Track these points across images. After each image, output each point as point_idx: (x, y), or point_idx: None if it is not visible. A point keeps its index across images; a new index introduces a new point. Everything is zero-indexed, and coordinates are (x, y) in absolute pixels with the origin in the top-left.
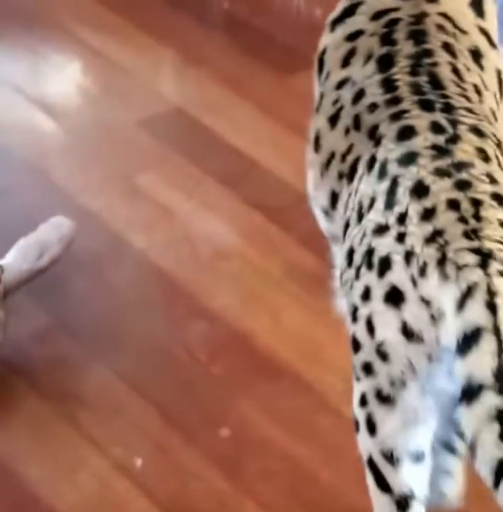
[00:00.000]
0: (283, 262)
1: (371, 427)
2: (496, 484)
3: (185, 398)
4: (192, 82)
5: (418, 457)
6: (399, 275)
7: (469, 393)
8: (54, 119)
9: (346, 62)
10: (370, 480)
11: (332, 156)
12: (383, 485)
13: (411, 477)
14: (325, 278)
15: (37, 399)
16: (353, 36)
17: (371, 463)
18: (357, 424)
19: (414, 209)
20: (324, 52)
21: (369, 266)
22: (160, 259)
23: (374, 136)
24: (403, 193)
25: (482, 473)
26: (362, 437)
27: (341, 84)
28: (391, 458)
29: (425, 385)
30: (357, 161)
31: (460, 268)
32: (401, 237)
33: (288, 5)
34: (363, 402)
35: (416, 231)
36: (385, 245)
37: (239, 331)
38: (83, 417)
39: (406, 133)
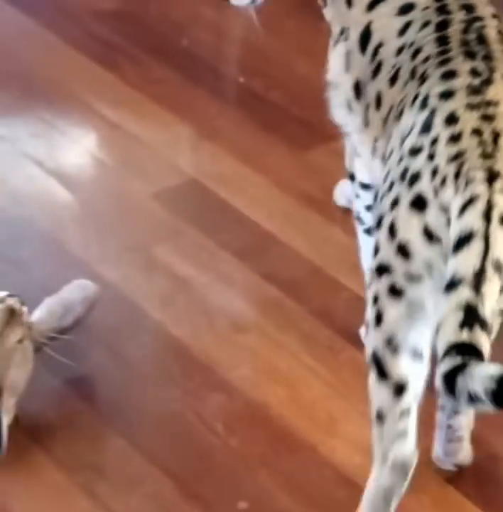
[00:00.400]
0: (299, 335)
1: (379, 319)
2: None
3: (203, 470)
4: (208, 155)
5: (416, 354)
6: (425, 185)
7: (450, 285)
8: (71, 191)
9: (403, 32)
10: (372, 378)
11: (391, 109)
12: (382, 374)
13: (408, 369)
14: (340, 351)
15: (54, 468)
16: (405, 9)
17: (375, 357)
18: (366, 327)
19: (444, 134)
20: (368, 27)
21: (402, 179)
22: (177, 331)
23: (421, 79)
24: (437, 121)
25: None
26: (369, 335)
27: (400, 50)
28: (392, 346)
29: (437, 283)
30: (406, 101)
31: (468, 182)
32: (431, 157)
33: (304, 80)
34: (375, 300)
35: (443, 152)
36: (418, 163)
37: (255, 403)
38: (100, 488)
39: (449, 75)
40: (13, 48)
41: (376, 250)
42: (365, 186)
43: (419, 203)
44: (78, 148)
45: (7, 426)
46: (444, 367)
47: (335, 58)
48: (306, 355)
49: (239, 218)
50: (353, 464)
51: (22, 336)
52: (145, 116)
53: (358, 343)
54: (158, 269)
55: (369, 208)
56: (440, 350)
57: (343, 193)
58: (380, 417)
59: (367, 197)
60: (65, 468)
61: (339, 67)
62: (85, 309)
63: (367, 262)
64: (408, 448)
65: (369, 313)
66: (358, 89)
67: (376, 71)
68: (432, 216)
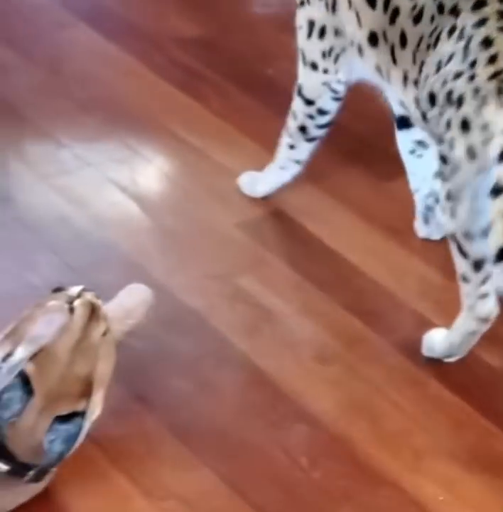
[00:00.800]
0: (382, 368)
1: (453, 214)
2: (496, 262)
3: (286, 502)
4: (291, 185)
5: (484, 233)
6: (468, 108)
7: (495, 191)
8: (154, 217)
9: None
10: (454, 249)
11: (421, 39)
12: (462, 253)
13: (482, 247)
14: (424, 385)
15: (139, 496)
16: None
17: (454, 238)
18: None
19: (481, 57)
20: None
21: (450, 103)
22: (261, 361)
23: (455, 12)
24: (474, 46)
25: (488, 254)
26: (448, 222)
27: None
28: (467, 236)
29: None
30: (440, 33)
31: None
32: (471, 78)
33: (387, 111)
34: (448, 197)
35: (482, 72)
36: (460, 86)
37: (338, 436)
38: None
39: (479, 4)
40: (97, 73)
41: (443, 160)
42: (322, 112)
43: (464, 126)
44: (161, 174)
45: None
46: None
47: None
48: (390, 389)
49: (322, 249)
50: (437, 501)
51: (105, 329)
52: (229, 145)
53: (442, 377)
54: (242, 298)
55: (320, 127)
56: (492, 255)
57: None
58: (465, 279)
59: (322, 119)
60: (150, 495)
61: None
62: (143, 313)
63: None
64: (489, 304)
65: (444, 206)
66: (374, 38)
67: (394, 17)
68: (475, 136)
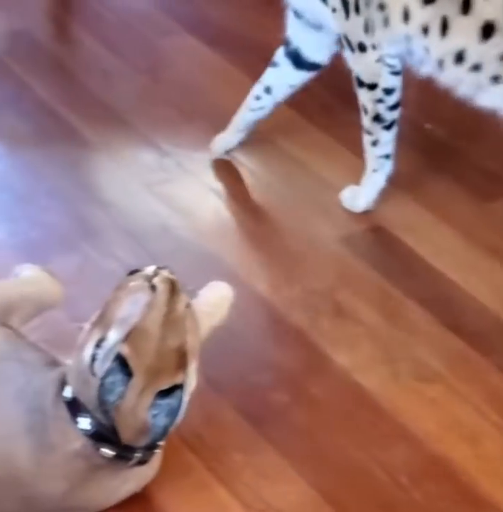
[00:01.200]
0: (484, 389)
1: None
2: None
3: None
4: (393, 201)
5: None
6: None
7: None
8: (255, 229)
9: None
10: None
11: None
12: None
13: None
14: None
15: (238, 507)
16: None
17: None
18: None
19: None
20: None
21: None
22: (361, 377)
23: None
24: None
25: None
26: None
27: None
28: None
29: None
30: None
31: None
32: None
33: (491, 130)
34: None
35: None
36: None
37: (439, 457)
38: None
39: None
40: (200, 82)
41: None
42: (388, 91)
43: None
44: (263, 186)
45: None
46: None
47: None
48: (491, 411)
49: (424, 267)
50: None
51: (187, 302)
52: (331, 158)
53: None
54: (343, 314)
55: (392, 107)
56: None
57: None
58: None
59: (391, 99)
60: (249, 508)
61: None
62: (227, 309)
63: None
64: None
65: None
66: None
67: None
68: None
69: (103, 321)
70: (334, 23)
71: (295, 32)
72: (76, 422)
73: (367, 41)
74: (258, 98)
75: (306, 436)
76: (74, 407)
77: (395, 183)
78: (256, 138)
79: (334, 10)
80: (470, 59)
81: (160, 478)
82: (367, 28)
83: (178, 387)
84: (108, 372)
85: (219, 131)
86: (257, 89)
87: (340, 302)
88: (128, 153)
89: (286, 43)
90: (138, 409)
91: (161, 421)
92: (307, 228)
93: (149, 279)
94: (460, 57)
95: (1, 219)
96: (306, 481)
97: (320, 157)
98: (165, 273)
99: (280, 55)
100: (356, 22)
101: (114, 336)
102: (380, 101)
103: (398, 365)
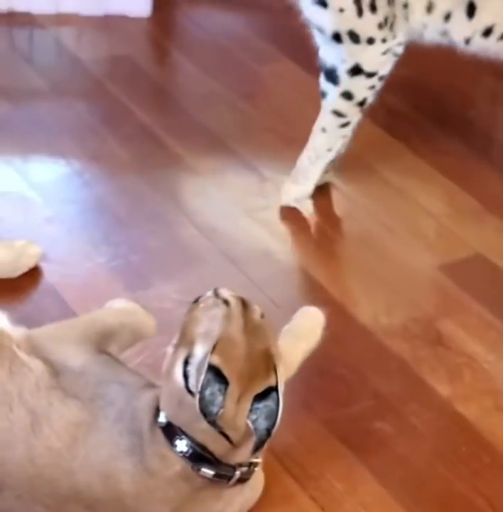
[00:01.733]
0: None
1: None
2: None
3: None
4: (492, 229)
5: None
6: None
7: None
8: (356, 257)
9: None
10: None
11: None
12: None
13: None
14: None
15: None
16: None
17: None
18: None
19: None
20: None
21: None
22: (463, 408)
23: None
24: None
25: None
26: None
27: None
28: None
29: None
30: None
31: None
32: None
33: None
34: None
35: None
36: None
37: None
38: None
39: None
40: (300, 108)
41: None
42: (382, 78)
43: None
44: (363, 213)
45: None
46: None
47: None
48: None
49: None
50: None
51: (261, 312)
52: (430, 186)
53: None
54: (444, 343)
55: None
56: None
57: None
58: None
59: (380, 85)
60: None
61: None
62: (319, 333)
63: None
64: None
65: None
66: None
67: None
68: None
69: (185, 341)
70: (335, 21)
71: (322, 50)
72: (174, 446)
73: (378, 35)
74: None
75: (407, 465)
76: (170, 432)
77: (493, 211)
78: (354, 163)
79: (341, 10)
80: (499, 30)
81: (262, 506)
82: (382, 25)
83: (273, 389)
84: (205, 385)
85: None
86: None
87: (441, 331)
88: (228, 178)
89: (321, 67)
90: (239, 415)
91: (262, 424)
92: (406, 256)
93: (218, 296)
94: (488, 32)
95: (102, 242)
96: (406, 510)
97: (418, 184)
98: (227, 291)
99: (321, 83)
100: (370, 19)
101: (200, 350)
102: (372, 87)
103: (500, 396)
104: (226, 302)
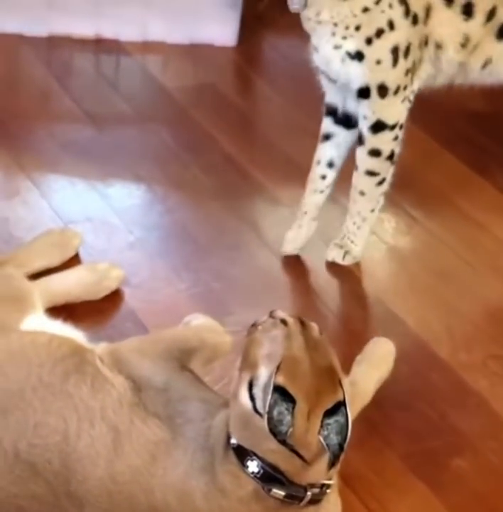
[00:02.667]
0: None
1: None
2: None
3: None
4: None
5: None
6: None
7: None
8: (435, 291)
9: None
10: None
11: None
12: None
13: None
14: None
15: None
16: None
17: None
18: None
19: None
20: None
21: None
22: None
23: None
24: None
25: None
26: None
27: None
28: None
29: None
30: None
31: None
32: None
33: None
34: None
35: None
36: None
37: None
38: None
39: None
40: None
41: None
42: (402, 126)
43: None
44: (443, 247)
45: None
46: None
47: None
48: None
49: None
50: None
51: (319, 328)
52: None
53: None
54: None
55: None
56: None
57: None
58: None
59: (402, 133)
60: None
61: None
62: (391, 363)
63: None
64: None
65: None
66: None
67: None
68: None
69: (248, 364)
70: (368, 75)
71: (335, 96)
72: (245, 466)
73: (403, 83)
74: (324, 177)
75: (484, 503)
76: (242, 452)
77: None
78: (435, 198)
79: (378, 62)
80: None
81: None
82: (408, 71)
83: (341, 404)
84: (272, 405)
85: (402, 192)
86: (319, 169)
87: None
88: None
89: (330, 111)
90: (309, 433)
91: (334, 439)
92: (487, 292)
93: (275, 318)
94: None
95: (184, 269)
96: None
97: (499, 219)
98: (282, 313)
99: (329, 126)
100: (402, 66)
101: (265, 371)
102: (396, 138)
103: None
104: (284, 322)
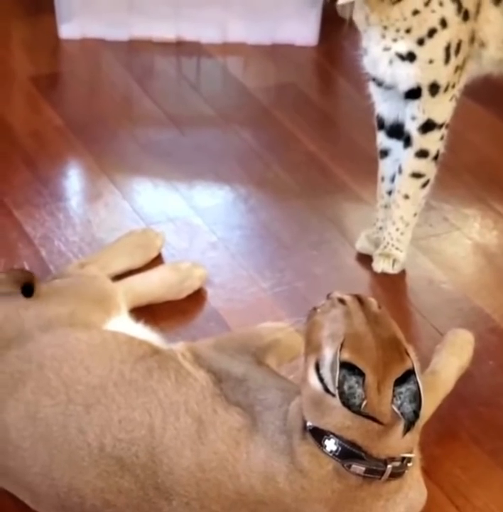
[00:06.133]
0: None
1: None
2: None
3: None
4: None
5: None
6: None
7: None
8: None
9: None
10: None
11: None
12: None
13: None
14: None
15: None
16: None
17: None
18: None
19: None
20: None
21: None
22: None
23: None
24: None
25: None
26: None
27: None
28: None
29: None
30: None
31: None
32: None
33: None
34: None
35: None
36: None
37: None
38: None
39: None
40: (467, 137)
41: None
42: (447, 125)
43: None
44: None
45: None
46: None
47: None
48: None
49: None
50: None
51: (377, 303)
52: None
53: None
54: None
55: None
56: None
57: None
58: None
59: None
60: None
61: None
62: (471, 352)
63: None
64: None
65: None
66: None
67: None
68: None
69: (312, 347)
70: (420, 75)
71: (384, 106)
72: (324, 446)
73: (452, 80)
74: (390, 192)
75: None
76: (318, 433)
77: None
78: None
79: (431, 61)
80: None
81: None
82: (458, 68)
83: (411, 373)
84: (341, 381)
85: (487, 187)
86: (384, 186)
87: None
88: None
89: (381, 124)
90: (383, 403)
91: (408, 407)
92: None
93: (333, 299)
94: None
95: (266, 268)
96: None
97: None
98: (339, 293)
99: (383, 140)
100: (453, 63)
101: (329, 351)
102: (442, 137)
103: None
104: (342, 301)
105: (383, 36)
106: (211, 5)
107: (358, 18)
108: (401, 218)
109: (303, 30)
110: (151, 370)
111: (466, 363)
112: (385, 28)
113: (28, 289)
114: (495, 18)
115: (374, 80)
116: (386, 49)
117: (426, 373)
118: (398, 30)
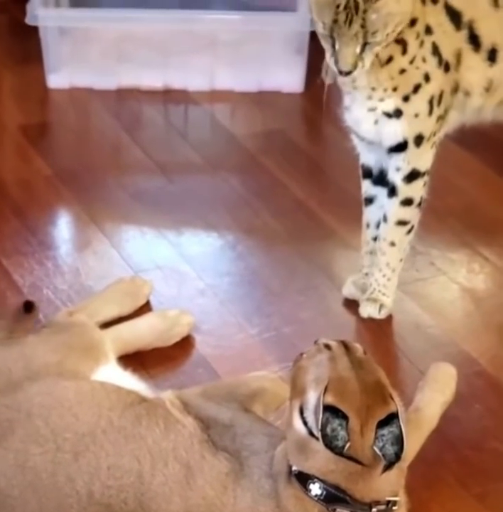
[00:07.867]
0: None
1: None
2: None
3: None
4: None
5: None
6: None
7: None
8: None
9: None
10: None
11: None
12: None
13: None
14: None
15: None
16: None
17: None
18: None
19: None
20: None
21: None
22: None
23: None
24: None
25: None
26: None
27: None
28: None
29: None
30: None
31: None
32: None
33: None
34: None
35: None
36: None
37: None
38: None
39: None
40: (453, 182)
41: None
42: (429, 172)
43: None
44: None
45: None
46: None
47: None
48: None
49: None
50: None
51: (362, 349)
52: None
53: None
54: None
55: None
56: None
57: None
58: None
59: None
60: None
61: None
62: (454, 387)
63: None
64: None
65: None
66: None
67: None
68: None
69: (297, 391)
70: (406, 129)
71: (369, 156)
72: (309, 490)
73: (435, 129)
74: (375, 239)
75: None
76: (303, 477)
77: None
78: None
79: (416, 115)
80: None
81: None
82: (440, 117)
83: (394, 416)
84: (324, 424)
85: (473, 232)
86: (370, 232)
87: None
88: None
89: (366, 173)
90: (365, 446)
91: (389, 450)
92: None
93: (319, 344)
94: None
95: (255, 314)
96: None
97: None
98: (325, 339)
99: (368, 188)
100: (435, 114)
101: (313, 395)
102: (425, 184)
103: None
104: (327, 347)
105: (370, 97)
106: (198, 53)
107: (342, 80)
108: (387, 265)
109: (289, 77)
110: (140, 418)
111: (449, 398)
112: (373, 89)
113: (28, 306)
114: (476, 65)
115: (356, 134)
116: (372, 109)
117: (410, 411)
118: (385, 90)
